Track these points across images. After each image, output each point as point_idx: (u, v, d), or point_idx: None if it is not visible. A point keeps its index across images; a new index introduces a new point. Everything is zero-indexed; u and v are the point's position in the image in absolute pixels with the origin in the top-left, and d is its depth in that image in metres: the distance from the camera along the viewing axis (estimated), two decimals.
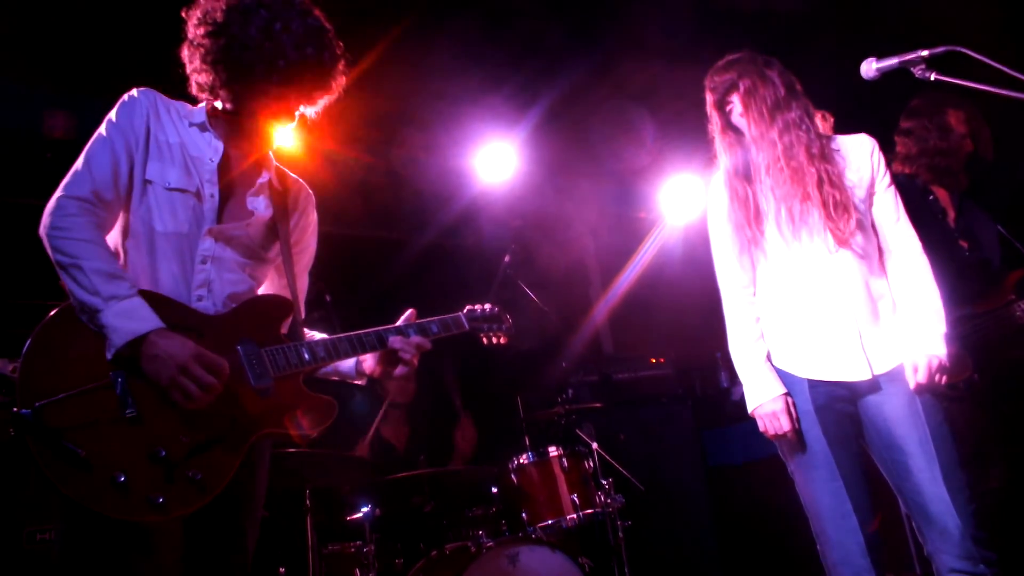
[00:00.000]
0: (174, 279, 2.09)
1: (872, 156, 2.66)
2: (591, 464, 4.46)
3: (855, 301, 2.53)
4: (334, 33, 2.22)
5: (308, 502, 3.87)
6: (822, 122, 3.29)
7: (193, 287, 2.11)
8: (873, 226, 2.65)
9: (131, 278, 1.99)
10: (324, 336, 2.30)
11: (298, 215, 2.43)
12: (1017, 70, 2.06)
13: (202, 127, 2.23)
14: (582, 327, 7.02)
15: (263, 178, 2.30)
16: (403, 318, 2.43)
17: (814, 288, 2.56)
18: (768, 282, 2.67)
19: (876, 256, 2.63)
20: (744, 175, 2.70)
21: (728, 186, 2.71)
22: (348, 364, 2.42)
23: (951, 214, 3.45)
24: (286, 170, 2.45)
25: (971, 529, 2.34)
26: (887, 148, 2.84)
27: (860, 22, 4.84)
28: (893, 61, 2.26)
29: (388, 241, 6.40)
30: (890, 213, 2.64)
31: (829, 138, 2.72)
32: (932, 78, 2.19)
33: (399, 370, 2.34)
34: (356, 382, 2.45)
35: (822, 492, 2.47)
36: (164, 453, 1.88)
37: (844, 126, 3.06)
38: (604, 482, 4.39)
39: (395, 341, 2.33)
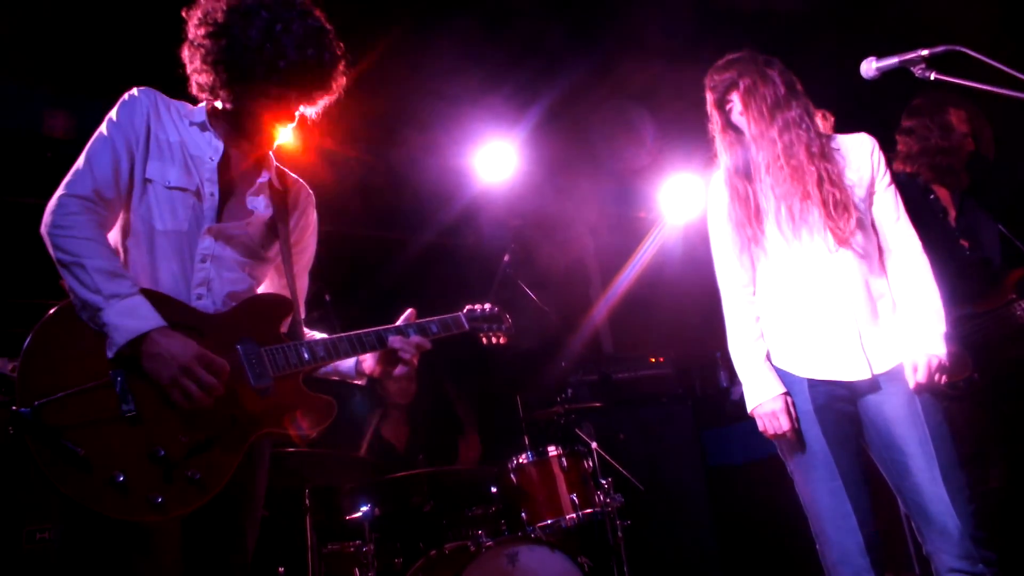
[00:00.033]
0: (174, 278, 2.09)
1: (872, 155, 2.66)
2: (590, 464, 4.46)
3: (855, 300, 2.53)
4: (334, 34, 2.22)
5: (307, 501, 3.87)
6: (822, 121, 3.29)
7: (192, 286, 2.11)
8: (873, 225, 2.65)
9: (132, 277, 1.99)
10: (324, 336, 2.30)
11: (298, 215, 2.43)
12: (1017, 70, 2.06)
13: (202, 126, 2.23)
14: (582, 327, 7.02)
15: (263, 178, 2.31)
16: (403, 318, 2.43)
17: (814, 287, 2.56)
18: (768, 281, 2.67)
19: (876, 255, 2.63)
20: (744, 174, 2.70)
21: (728, 184, 2.71)
22: (348, 364, 2.42)
23: (952, 213, 3.45)
24: (286, 170, 2.45)
25: (970, 529, 2.34)
26: (887, 147, 2.84)
27: (860, 22, 4.84)
28: (893, 60, 2.26)
29: (388, 241, 6.39)
30: (890, 212, 2.64)
31: (829, 137, 2.71)
32: (932, 78, 2.19)
33: (399, 370, 2.34)
34: (356, 382, 2.45)
35: (821, 492, 2.47)
36: (163, 453, 1.88)
37: (844, 126, 3.06)
38: (603, 482, 4.39)
39: (395, 341, 2.33)
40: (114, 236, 2.10)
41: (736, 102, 2.71)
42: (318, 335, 2.32)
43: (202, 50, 2.14)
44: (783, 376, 2.59)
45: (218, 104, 2.23)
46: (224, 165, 2.23)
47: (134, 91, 2.19)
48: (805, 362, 2.56)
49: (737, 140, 2.75)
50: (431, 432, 5.14)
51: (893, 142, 3.56)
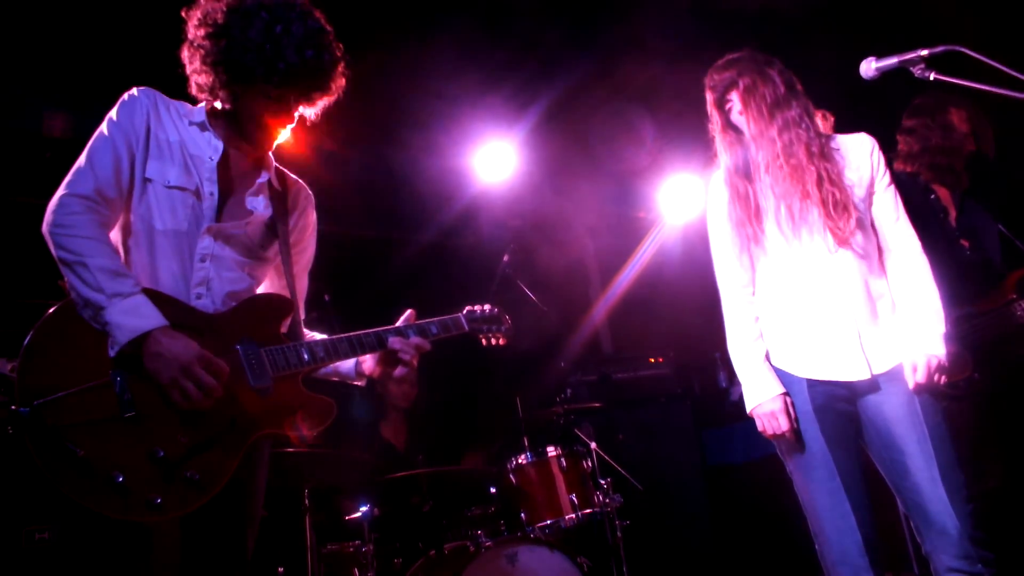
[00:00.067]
0: (173, 277, 2.10)
1: (872, 155, 2.66)
2: (590, 464, 4.47)
3: (855, 301, 2.53)
4: (334, 35, 2.22)
5: (307, 502, 3.87)
6: (822, 121, 3.29)
7: (192, 285, 2.11)
8: (873, 225, 2.65)
9: (134, 276, 1.99)
10: (323, 337, 2.30)
11: (297, 215, 2.44)
12: (1017, 70, 2.06)
13: (202, 126, 2.23)
14: (581, 327, 7.03)
15: (262, 178, 2.31)
16: (402, 319, 2.43)
17: (814, 287, 2.56)
18: (768, 281, 2.66)
19: (876, 255, 2.63)
20: (744, 173, 2.70)
21: (728, 184, 2.71)
22: (348, 365, 2.42)
23: (952, 213, 3.45)
24: (285, 171, 2.45)
25: (969, 529, 2.33)
26: (887, 148, 2.84)
27: (860, 22, 4.84)
28: (892, 61, 2.26)
29: (387, 241, 6.40)
30: (890, 212, 2.64)
31: (829, 137, 2.71)
32: (931, 78, 2.19)
33: (399, 371, 2.34)
34: (356, 383, 2.45)
35: (821, 492, 2.46)
36: (162, 453, 1.88)
37: (843, 126, 3.06)
38: (603, 482, 4.39)
39: (394, 342, 2.33)
40: (114, 236, 2.10)
41: (736, 101, 2.71)
42: (318, 336, 2.32)
43: (202, 51, 2.14)
44: (782, 376, 2.59)
45: (217, 105, 2.23)
46: (224, 165, 2.23)
47: (134, 91, 2.19)
48: (804, 362, 2.56)
49: (737, 140, 2.75)
50: (431, 432, 5.15)
51: (892, 142, 3.56)
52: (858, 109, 3.66)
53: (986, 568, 2.32)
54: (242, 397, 2.04)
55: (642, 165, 6.46)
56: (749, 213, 2.63)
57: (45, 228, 1.98)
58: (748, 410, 2.62)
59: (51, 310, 1.92)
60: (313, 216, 2.52)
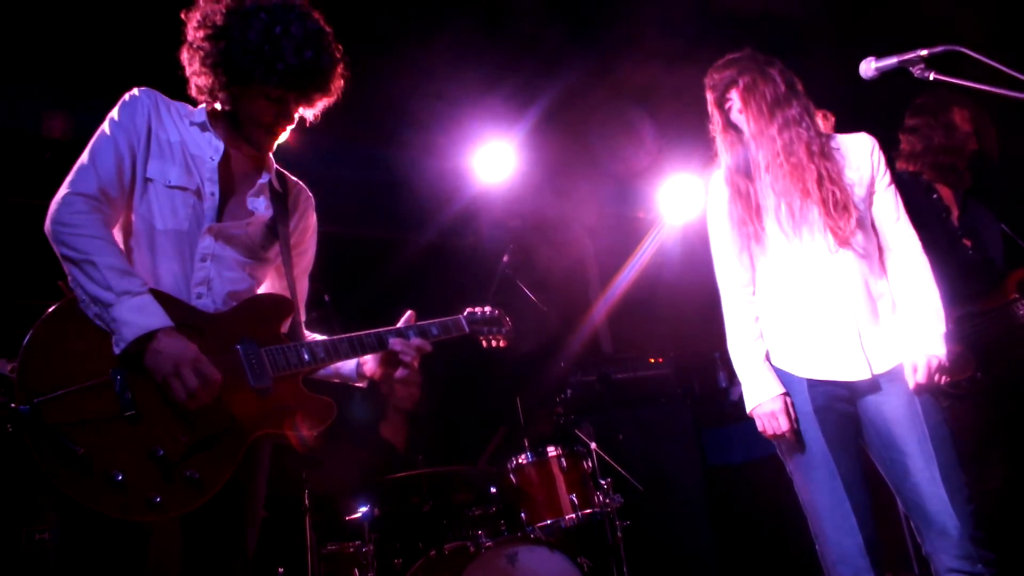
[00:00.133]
0: (174, 277, 2.10)
1: (872, 155, 2.66)
2: (590, 464, 4.47)
3: (855, 301, 2.53)
4: (333, 35, 2.22)
5: (307, 502, 3.88)
6: (823, 121, 3.29)
7: (192, 284, 2.11)
8: (873, 225, 2.65)
9: (140, 275, 1.99)
10: (324, 337, 2.30)
11: (298, 217, 2.44)
12: (1017, 70, 2.06)
13: (203, 127, 2.23)
14: (581, 327, 7.02)
15: (263, 179, 2.31)
16: (403, 320, 2.43)
17: (814, 287, 2.55)
18: (768, 281, 2.66)
19: (876, 255, 2.63)
20: (745, 172, 2.69)
21: (729, 182, 2.71)
22: (349, 367, 2.42)
23: (955, 212, 3.45)
24: (286, 172, 2.45)
25: (970, 529, 2.33)
26: (887, 148, 2.84)
27: (859, 22, 4.85)
28: (892, 61, 2.26)
29: (387, 241, 6.40)
30: (890, 212, 2.64)
31: (829, 136, 2.71)
32: (931, 78, 2.19)
33: (399, 372, 2.34)
34: (358, 384, 2.45)
35: (821, 492, 2.46)
36: (162, 452, 1.88)
37: (843, 126, 3.06)
38: (603, 482, 4.39)
39: (395, 343, 2.33)
40: (115, 235, 2.09)
41: (735, 100, 2.70)
42: (318, 337, 2.32)
43: (201, 52, 2.14)
44: (782, 376, 2.59)
45: (217, 106, 2.23)
46: (225, 165, 2.23)
47: (135, 91, 2.19)
48: (805, 362, 2.56)
49: (738, 139, 2.74)
50: (431, 433, 5.15)
51: (892, 142, 3.56)
52: (857, 109, 3.66)
53: (987, 568, 2.32)
54: (242, 397, 2.04)
55: (642, 165, 6.47)
56: (750, 211, 2.63)
57: (48, 226, 1.97)
58: (748, 410, 2.62)
59: (51, 309, 1.92)
60: (314, 218, 2.52)
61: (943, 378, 2.47)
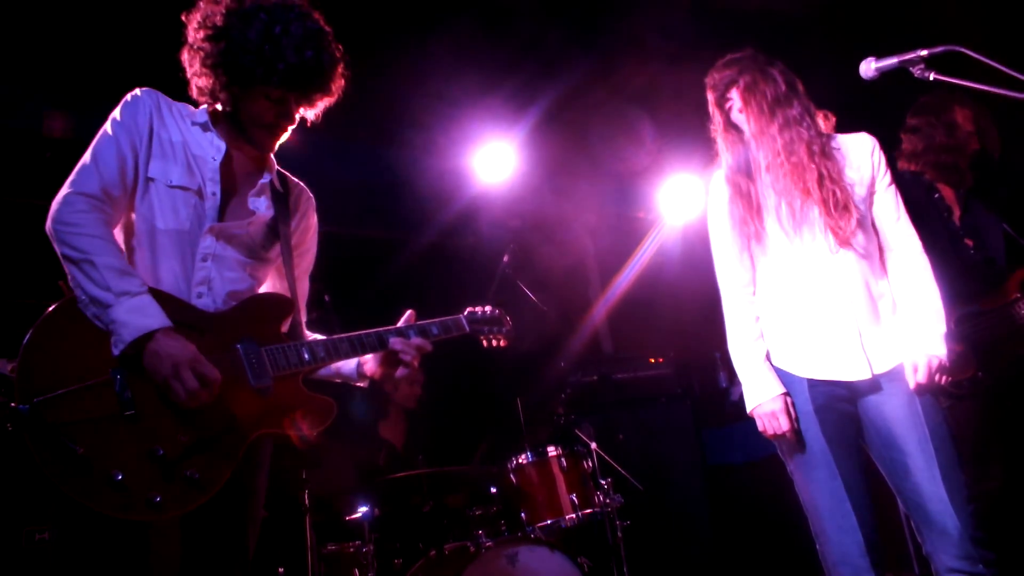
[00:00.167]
0: (175, 276, 2.10)
1: (872, 155, 2.66)
2: (590, 464, 4.47)
3: (855, 301, 2.53)
4: (333, 35, 2.22)
5: (307, 502, 3.88)
6: (824, 122, 3.29)
7: (193, 284, 2.11)
8: (874, 225, 2.65)
9: (139, 276, 1.99)
10: (324, 337, 2.30)
11: (299, 218, 2.44)
12: (1017, 70, 2.06)
13: (204, 127, 2.23)
14: (581, 327, 7.02)
15: (265, 179, 2.31)
16: (403, 319, 2.43)
17: (814, 287, 2.55)
18: (768, 281, 2.66)
19: (877, 255, 2.63)
20: (745, 172, 2.69)
21: (729, 182, 2.71)
22: (350, 367, 2.42)
23: (956, 212, 3.45)
24: (287, 173, 2.46)
25: (970, 529, 2.33)
26: (887, 148, 2.84)
27: (859, 22, 4.85)
28: (892, 61, 2.26)
29: (387, 241, 6.40)
30: (890, 212, 2.64)
31: (830, 136, 2.70)
32: (931, 78, 2.19)
33: (400, 372, 2.34)
34: (358, 384, 2.45)
35: (821, 492, 2.46)
36: (162, 452, 1.88)
37: (843, 126, 3.06)
38: (603, 482, 4.39)
39: (395, 342, 2.33)
40: (116, 235, 2.10)
41: (736, 99, 2.70)
42: (319, 337, 2.32)
43: (201, 53, 2.14)
44: (783, 376, 2.59)
45: (218, 107, 2.23)
46: (226, 165, 2.23)
47: (137, 91, 2.19)
48: (805, 362, 2.56)
49: (739, 140, 2.74)
50: (431, 433, 5.15)
51: (892, 142, 3.56)
52: (858, 109, 3.66)
53: (987, 568, 2.32)
54: (242, 396, 2.04)
55: (642, 165, 6.47)
56: (751, 211, 2.63)
57: (49, 225, 1.98)
58: (748, 410, 2.62)
59: (51, 308, 1.92)
60: (314, 219, 2.52)
61: (944, 378, 2.47)
